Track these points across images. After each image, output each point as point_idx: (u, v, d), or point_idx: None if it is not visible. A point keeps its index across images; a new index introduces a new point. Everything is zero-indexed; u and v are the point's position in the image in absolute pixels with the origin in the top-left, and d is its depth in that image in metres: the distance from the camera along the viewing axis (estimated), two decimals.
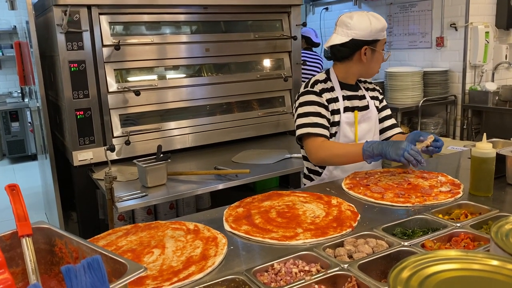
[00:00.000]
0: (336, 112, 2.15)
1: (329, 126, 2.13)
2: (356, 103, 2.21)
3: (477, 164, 1.75)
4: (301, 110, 2.14)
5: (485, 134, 1.79)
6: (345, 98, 2.18)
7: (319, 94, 2.14)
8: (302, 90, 2.20)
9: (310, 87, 2.17)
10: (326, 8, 6.14)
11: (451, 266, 0.74)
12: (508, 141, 2.16)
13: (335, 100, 2.16)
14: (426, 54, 5.03)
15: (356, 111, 2.17)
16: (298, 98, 2.19)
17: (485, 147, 1.73)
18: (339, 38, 2.11)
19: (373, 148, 1.92)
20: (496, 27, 4.72)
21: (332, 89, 2.18)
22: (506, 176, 1.90)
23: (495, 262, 0.72)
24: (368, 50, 2.10)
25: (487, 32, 4.58)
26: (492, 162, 1.73)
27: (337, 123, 2.16)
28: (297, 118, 2.15)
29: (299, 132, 2.12)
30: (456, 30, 4.68)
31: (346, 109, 2.17)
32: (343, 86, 2.20)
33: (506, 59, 4.81)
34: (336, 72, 2.22)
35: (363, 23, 2.06)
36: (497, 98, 4.56)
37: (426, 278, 0.71)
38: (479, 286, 0.70)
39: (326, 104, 2.13)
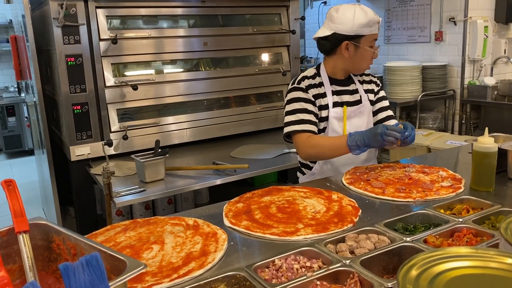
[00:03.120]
0: (323, 107, 2.12)
1: (316, 121, 2.11)
2: (346, 98, 2.17)
3: (478, 159, 1.73)
4: (288, 107, 2.13)
5: (487, 128, 1.78)
6: (334, 93, 2.15)
7: (305, 90, 2.11)
8: (289, 87, 2.18)
9: (297, 84, 2.15)
10: (325, 2, 6.11)
11: (461, 263, 0.72)
12: (509, 136, 2.15)
13: (323, 95, 2.13)
14: (425, 48, 5.01)
15: (345, 106, 2.13)
16: (286, 95, 2.18)
17: (487, 142, 1.71)
18: (322, 31, 2.08)
19: (356, 141, 1.92)
20: (495, 21, 4.70)
21: (320, 84, 2.14)
22: (507, 171, 1.89)
23: (509, 260, 0.70)
24: (350, 45, 2.04)
25: (486, 27, 4.56)
26: (494, 156, 1.72)
27: (325, 119, 2.13)
28: (284, 115, 2.15)
29: (286, 130, 2.12)
30: (455, 24, 4.65)
31: (335, 104, 2.13)
32: (333, 81, 2.16)
33: (505, 53, 4.79)
34: (325, 67, 2.18)
35: (345, 17, 2.00)
36: (495, 92, 4.54)
37: (436, 276, 0.69)
38: (491, 284, 0.68)
39: (312, 99, 2.11)
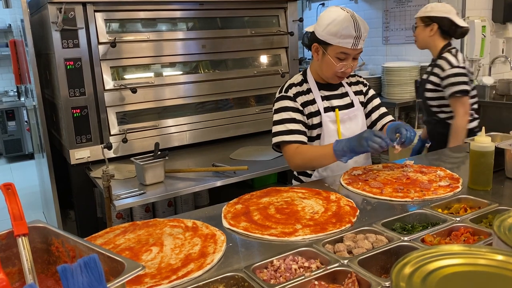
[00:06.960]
0: (314, 114, 2.09)
1: (305, 130, 2.08)
2: (336, 102, 2.13)
3: (476, 158, 1.74)
4: (276, 117, 2.10)
5: (484, 127, 1.78)
6: (324, 98, 2.11)
7: (293, 98, 2.08)
8: (277, 95, 2.15)
9: (284, 92, 2.11)
10: (323, 4, 6.12)
11: (454, 261, 0.73)
12: (506, 135, 2.16)
13: (312, 102, 2.09)
14: None
15: (337, 110, 2.09)
16: (273, 104, 2.14)
17: (484, 141, 1.72)
18: (312, 26, 2.07)
19: (342, 147, 1.89)
20: (492, 21, 4.71)
21: (308, 91, 2.11)
22: (505, 170, 1.89)
23: (500, 257, 0.71)
24: (319, 49, 2.01)
25: (483, 26, 4.57)
26: (491, 156, 1.73)
27: (317, 125, 2.09)
28: (272, 125, 2.11)
29: (274, 140, 2.09)
30: None
31: (327, 110, 2.10)
32: (321, 86, 2.13)
33: (503, 53, 4.80)
34: (311, 71, 2.15)
35: (323, 19, 1.96)
36: (494, 92, 4.55)
37: (429, 273, 0.70)
38: (483, 281, 0.69)
39: (300, 108, 2.07)
